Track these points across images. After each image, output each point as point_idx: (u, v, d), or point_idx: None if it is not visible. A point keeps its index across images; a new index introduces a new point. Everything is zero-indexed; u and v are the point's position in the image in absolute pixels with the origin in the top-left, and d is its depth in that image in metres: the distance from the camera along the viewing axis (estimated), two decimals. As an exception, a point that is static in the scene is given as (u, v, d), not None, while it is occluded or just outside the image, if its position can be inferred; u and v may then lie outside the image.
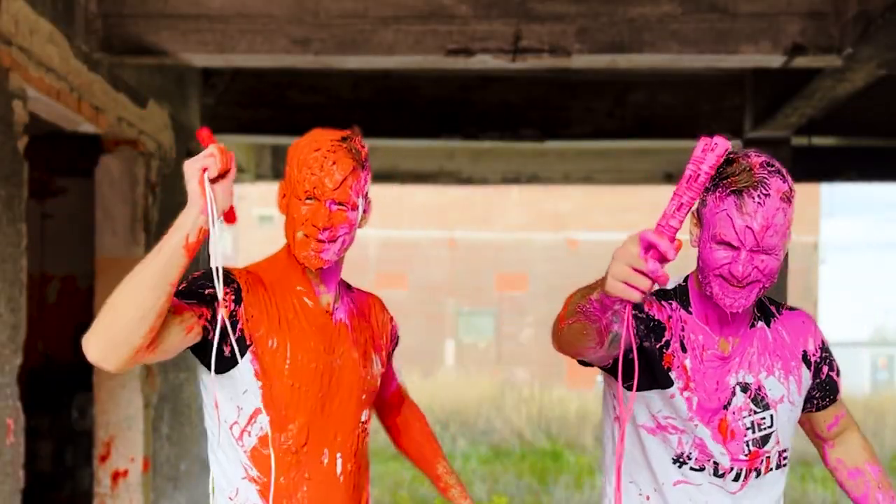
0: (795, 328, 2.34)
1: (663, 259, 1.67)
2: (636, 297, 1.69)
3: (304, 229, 2.26)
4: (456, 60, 5.35)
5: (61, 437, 7.77)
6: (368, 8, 5.27)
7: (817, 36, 5.17)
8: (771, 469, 2.27)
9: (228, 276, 2.24)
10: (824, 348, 2.37)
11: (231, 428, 2.27)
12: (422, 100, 7.70)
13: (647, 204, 22.21)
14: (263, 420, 2.24)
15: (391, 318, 2.57)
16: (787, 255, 8.00)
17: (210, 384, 2.26)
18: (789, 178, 2.12)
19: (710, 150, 1.70)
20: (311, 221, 2.24)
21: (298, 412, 2.25)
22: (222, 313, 2.15)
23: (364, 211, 2.33)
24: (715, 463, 2.23)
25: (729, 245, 2.09)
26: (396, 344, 2.58)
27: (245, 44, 5.29)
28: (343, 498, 2.32)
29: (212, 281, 2.14)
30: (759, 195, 2.06)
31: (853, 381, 22.44)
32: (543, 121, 7.75)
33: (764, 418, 2.24)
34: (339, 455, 2.31)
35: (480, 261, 24.27)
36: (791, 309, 2.39)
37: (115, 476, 6.12)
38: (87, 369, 6.69)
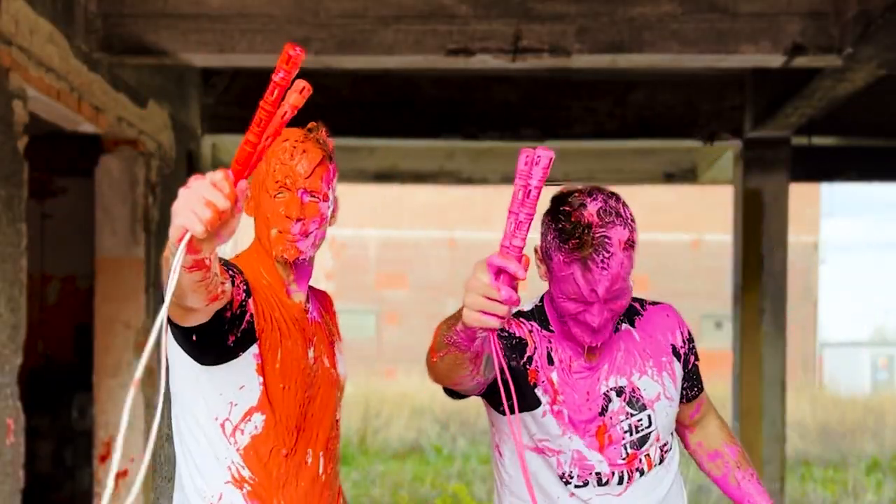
0: (661, 323, 2.35)
1: (514, 280, 1.66)
2: (495, 324, 1.67)
3: (277, 224, 2.22)
4: (456, 60, 5.35)
5: (61, 437, 7.77)
6: (368, 8, 5.26)
7: (817, 36, 5.17)
8: (655, 465, 2.28)
9: (236, 267, 2.19)
10: (690, 339, 2.38)
11: (222, 425, 2.19)
12: (422, 100, 7.70)
13: (647, 204, 22.21)
14: (259, 419, 2.19)
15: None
16: (786, 256, 7.86)
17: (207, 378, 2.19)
18: (629, 217, 2.14)
19: (534, 164, 1.66)
20: (285, 212, 2.21)
21: (288, 413, 2.22)
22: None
23: (333, 209, 2.31)
24: (597, 473, 2.24)
25: (580, 301, 2.14)
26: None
27: (245, 44, 5.29)
28: (328, 497, 2.32)
29: (230, 266, 2.15)
30: (601, 259, 2.08)
31: (853, 381, 22.44)
32: (543, 121, 7.75)
33: (641, 420, 2.26)
34: (321, 454, 2.30)
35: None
36: (654, 303, 2.40)
37: (116, 476, 6.12)
38: (87, 369, 6.68)
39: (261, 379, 2.18)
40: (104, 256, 6.14)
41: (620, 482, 2.24)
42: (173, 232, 1.64)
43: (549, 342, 2.25)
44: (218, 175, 1.60)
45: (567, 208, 2.14)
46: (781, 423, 7.56)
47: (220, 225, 1.63)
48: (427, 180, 9.86)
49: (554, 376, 2.23)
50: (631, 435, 2.25)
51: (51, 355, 7.75)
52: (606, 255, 2.09)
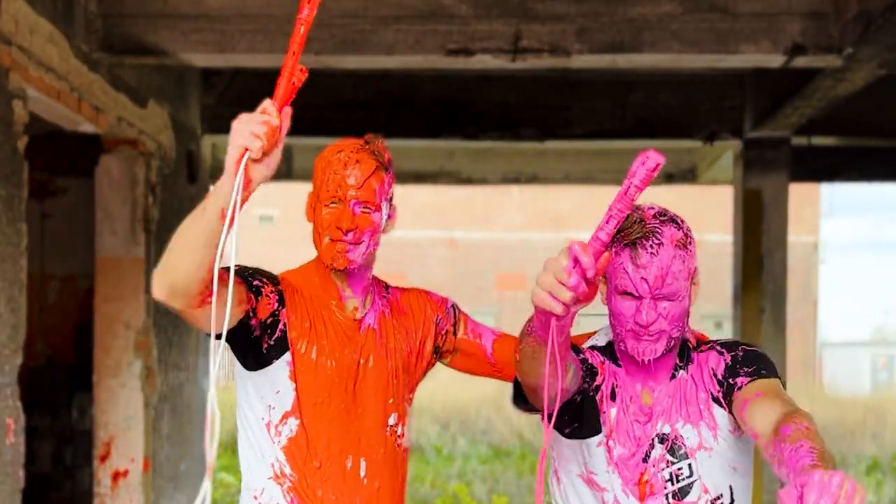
0: (702, 369, 2.25)
1: (586, 274, 1.69)
2: (558, 308, 1.71)
3: (328, 232, 2.29)
4: (456, 60, 5.35)
5: (61, 437, 7.77)
6: (368, 8, 5.26)
7: (817, 36, 5.17)
8: None
9: (274, 277, 2.32)
10: (726, 371, 2.21)
11: (266, 425, 2.31)
12: (422, 100, 7.70)
13: (646, 204, 22.23)
14: (294, 423, 2.30)
15: (441, 301, 2.55)
16: (786, 256, 7.88)
17: (243, 377, 2.31)
18: (684, 225, 2.17)
19: (641, 164, 1.71)
20: (335, 224, 2.27)
21: (322, 420, 2.30)
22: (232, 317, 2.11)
23: (389, 216, 2.37)
24: None
25: (630, 295, 2.12)
26: (457, 317, 2.53)
27: (245, 44, 5.29)
28: (367, 501, 2.36)
29: (261, 276, 2.25)
30: (651, 245, 2.10)
31: (853, 381, 22.44)
32: (543, 121, 7.75)
33: (681, 468, 2.19)
34: (363, 460, 2.34)
35: (480, 261, 24.26)
36: (712, 342, 2.29)
37: (115, 476, 6.12)
38: (87, 369, 6.69)
39: (293, 385, 2.29)
40: (104, 256, 6.15)
41: None
42: (232, 153, 1.81)
43: (616, 379, 2.25)
44: (265, 103, 1.83)
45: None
46: (781, 423, 7.54)
47: (270, 147, 1.82)
48: (427, 180, 9.85)
49: (612, 412, 2.23)
50: (672, 484, 2.19)
51: (51, 355, 7.75)
52: (656, 242, 2.10)
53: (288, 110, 1.85)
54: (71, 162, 7.62)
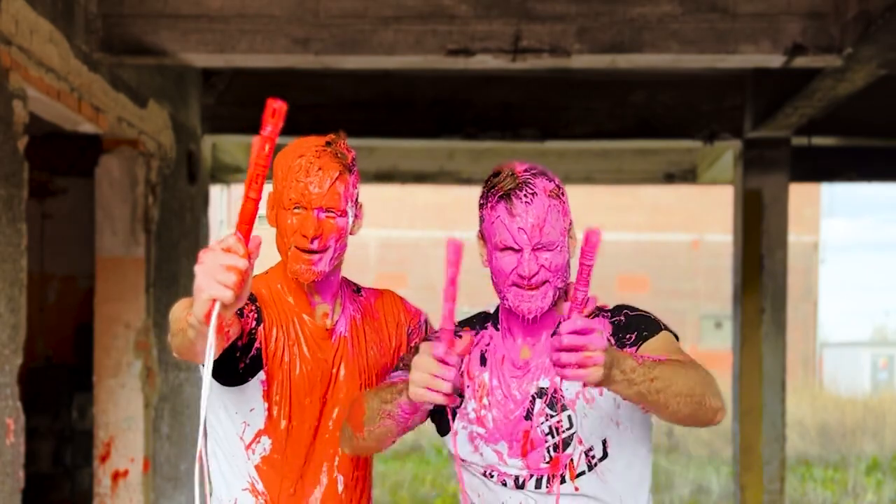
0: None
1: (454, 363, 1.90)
2: (441, 399, 1.88)
3: (293, 240, 2.22)
4: (456, 60, 5.35)
5: (61, 437, 7.77)
6: (368, 8, 5.26)
7: (817, 36, 5.17)
8: (581, 474, 2.17)
9: (251, 295, 2.22)
10: (616, 325, 2.21)
11: (241, 439, 2.29)
12: (422, 100, 7.70)
13: (647, 204, 22.23)
14: (266, 441, 2.27)
15: (415, 312, 2.48)
16: (786, 256, 7.86)
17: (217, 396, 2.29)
18: (555, 178, 2.20)
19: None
20: (300, 231, 2.21)
21: (295, 440, 2.28)
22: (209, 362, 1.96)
23: (355, 216, 2.32)
24: (514, 477, 2.20)
25: (511, 249, 2.15)
26: (426, 334, 2.46)
27: (245, 44, 5.29)
28: None
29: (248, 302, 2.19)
30: (525, 195, 2.13)
31: (853, 381, 22.44)
32: (543, 121, 7.75)
33: (561, 421, 2.17)
34: (337, 471, 2.32)
35: (480, 261, 24.25)
36: (599, 308, 2.28)
37: (115, 476, 6.12)
38: (87, 369, 6.69)
39: (266, 405, 2.26)
40: (104, 256, 6.15)
41: (538, 486, 2.18)
42: (200, 308, 1.70)
43: (488, 344, 2.28)
44: (229, 240, 1.68)
45: (496, 169, 2.22)
46: (781, 423, 7.56)
47: (241, 290, 1.69)
48: (427, 180, 9.86)
49: (486, 377, 2.25)
50: (552, 437, 2.17)
51: (51, 355, 7.75)
52: (530, 192, 2.13)
53: (257, 240, 1.71)
54: (71, 162, 7.63)
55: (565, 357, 1.81)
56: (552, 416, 2.18)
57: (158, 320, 6.29)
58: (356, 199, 2.32)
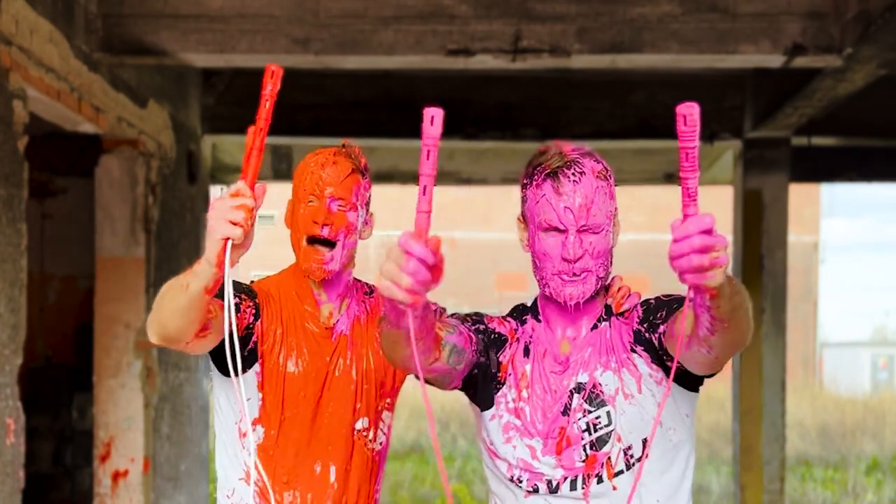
0: (628, 318, 2.17)
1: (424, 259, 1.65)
2: (401, 295, 1.66)
3: (305, 229, 2.32)
4: (456, 60, 5.35)
5: (61, 437, 7.77)
6: (368, 8, 5.26)
7: (817, 36, 5.17)
8: (619, 473, 2.09)
9: (251, 291, 2.34)
10: (644, 309, 2.15)
11: (238, 428, 2.36)
12: (422, 100, 7.65)
13: (647, 204, 22.22)
14: (261, 431, 2.36)
15: None
16: (786, 256, 7.85)
17: (220, 385, 2.39)
18: (602, 160, 2.13)
19: (429, 124, 1.67)
20: (312, 218, 2.31)
21: (288, 430, 2.35)
22: (231, 334, 2.08)
23: (365, 222, 2.41)
24: (547, 480, 2.11)
25: (555, 230, 2.07)
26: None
27: (245, 44, 5.29)
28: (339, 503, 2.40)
29: (239, 294, 2.26)
30: (573, 173, 2.06)
31: (853, 381, 22.44)
32: (543, 121, 7.75)
33: (599, 417, 2.10)
34: (332, 464, 2.38)
35: (480, 261, 24.26)
36: (640, 304, 2.20)
37: (115, 476, 6.12)
38: (87, 369, 6.69)
39: (261, 395, 2.34)
40: (104, 256, 6.14)
41: (573, 488, 2.10)
42: (213, 247, 1.86)
43: (531, 336, 2.19)
44: (237, 184, 1.84)
45: (542, 149, 2.15)
46: (781, 423, 7.56)
47: (249, 228, 1.85)
48: (427, 180, 9.84)
49: (528, 368, 2.17)
50: (590, 434, 2.10)
51: (51, 355, 7.75)
52: (578, 171, 2.06)
53: (262, 186, 1.86)
54: (71, 162, 7.63)
55: (697, 259, 1.62)
56: (590, 412, 2.11)
57: (158, 320, 6.28)
58: (367, 204, 2.42)
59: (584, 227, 2.06)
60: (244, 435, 2.35)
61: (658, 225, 22.27)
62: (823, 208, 24.18)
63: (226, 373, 2.31)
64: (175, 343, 2.12)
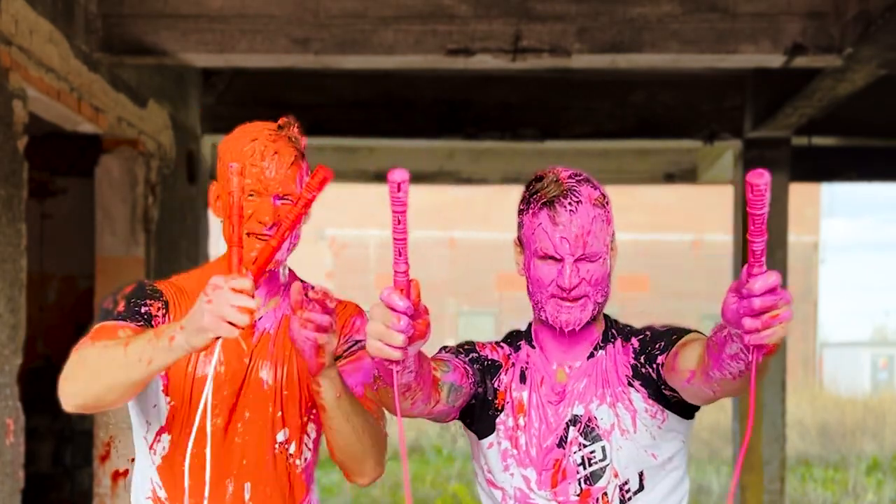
0: (624, 349, 2.16)
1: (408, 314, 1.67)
2: (396, 354, 1.68)
3: (248, 227, 2.05)
4: (456, 60, 5.35)
5: (61, 437, 7.76)
6: (368, 8, 5.27)
7: (817, 36, 5.17)
8: None
9: (156, 291, 2.12)
10: (643, 341, 2.14)
11: (144, 439, 2.15)
12: (422, 100, 7.70)
13: (647, 204, 22.21)
14: (166, 439, 2.11)
15: (350, 317, 2.21)
16: (786, 256, 7.87)
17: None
18: (600, 186, 2.11)
19: (398, 190, 1.63)
20: (256, 217, 2.06)
21: (197, 438, 2.02)
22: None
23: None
24: None
25: (552, 258, 2.06)
26: (350, 345, 2.18)
27: (245, 44, 5.29)
28: None
29: (143, 300, 2.08)
30: (570, 203, 2.04)
31: (853, 381, 22.45)
32: (543, 121, 7.75)
33: (594, 451, 2.09)
34: (247, 483, 2.11)
35: (480, 261, 24.25)
36: (631, 330, 2.20)
37: (115, 476, 6.12)
38: (87, 369, 6.69)
39: (167, 399, 2.11)
40: (104, 256, 6.14)
41: None
42: (204, 337, 1.73)
43: (527, 362, 2.18)
44: (243, 282, 1.71)
45: (539, 174, 2.14)
46: (781, 423, 7.56)
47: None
48: (427, 180, 9.85)
49: (524, 395, 2.15)
50: (584, 468, 2.09)
51: (51, 355, 7.75)
52: (575, 199, 2.05)
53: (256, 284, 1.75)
54: (71, 162, 7.62)
55: (761, 319, 1.63)
56: (585, 446, 2.10)
57: (158, 320, 6.29)
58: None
59: (581, 257, 2.05)
60: (153, 446, 2.12)
61: (658, 225, 22.25)
62: (823, 208, 24.18)
63: None
64: (100, 410, 1.97)
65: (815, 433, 13.79)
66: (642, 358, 2.11)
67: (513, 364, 2.18)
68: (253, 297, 1.71)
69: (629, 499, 2.09)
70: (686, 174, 9.71)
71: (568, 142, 7.97)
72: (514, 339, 2.24)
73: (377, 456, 2.12)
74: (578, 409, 2.11)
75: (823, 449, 13.30)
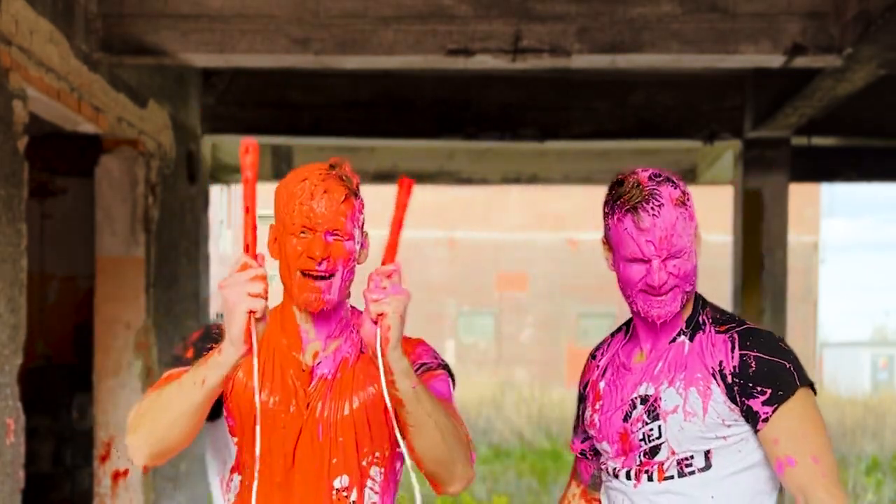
0: (715, 345, 2.22)
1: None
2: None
3: (299, 264, 2.10)
4: (456, 60, 5.35)
5: (61, 437, 7.77)
6: (368, 8, 5.27)
7: (817, 36, 5.17)
8: (669, 477, 2.20)
9: (222, 333, 2.06)
10: (744, 363, 2.18)
11: (220, 478, 2.21)
12: (422, 100, 7.70)
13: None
14: (237, 479, 2.17)
15: (414, 347, 2.25)
16: (786, 256, 7.85)
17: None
18: (680, 184, 2.20)
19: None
20: (307, 253, 2.10)
21: (262, 482, 2.07)
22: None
23: (361, 245, 2.20)
24: (613, 468, 2.31)
25: (640, 260, 2.16)
26: (418, 367, 2.17)
27: (245, 44, 5.29)
28: None
29: (209, 339, 2.13)
30: (652, 207, 2.13)
31: (853, 381, 22.45)
32: (543, 121, 7.75)
33: (652, 429, 2.21)
34: None
35: (480, 261, 24.27)
36: (729, 327, 2.26)
37: (115, 476, 6.12)
38: (87, 369, 6.69)
39: (235, 439, 2.16)
40: (104, 256, 6.15)
41: (628, 477, 2.26)
42: (236, 324, 1.84)
43: (616, 353, 2.35)
44: (242, 258, 1.85)
45: (620, 177, 2.22)
46: (781, 423, 7.54)
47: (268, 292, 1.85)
48: (427, 180, 9.85)
49: (602, 385, 2.33)
50: (645, 444, 2.22)
51: (51, 355, 7.75)
52: (657, 203, 2.13)
53: (262, 255, 1.87)
54: (71, 162, 7.62)
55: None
56: (646, 423, 2.22)
57: (158, 320, 6.29)
58: (362, 226, 2.21)
59: (668, 256, 2.16)
60: (227, 483, 2.18)
61: (658, 225, 22.27)
62: (823, 208, 24.19)
63: (208, 418, 2.09)
64: (169, 455, 2.02)
65: (815, 433, 13.77)
66: (736, 388, 2.17)
67: (597, 366, 2.38)
68: (261, 267, 1.85)
69: (689, 473, 2.19)
70: (686, 174, 9.71)
71: (568, 142, 7.97)
72: (618, 329, 2.40)
73: (464, 457, 2.13)
74: (649, 390, 2.22)
75: (823, 449, 13.29)
